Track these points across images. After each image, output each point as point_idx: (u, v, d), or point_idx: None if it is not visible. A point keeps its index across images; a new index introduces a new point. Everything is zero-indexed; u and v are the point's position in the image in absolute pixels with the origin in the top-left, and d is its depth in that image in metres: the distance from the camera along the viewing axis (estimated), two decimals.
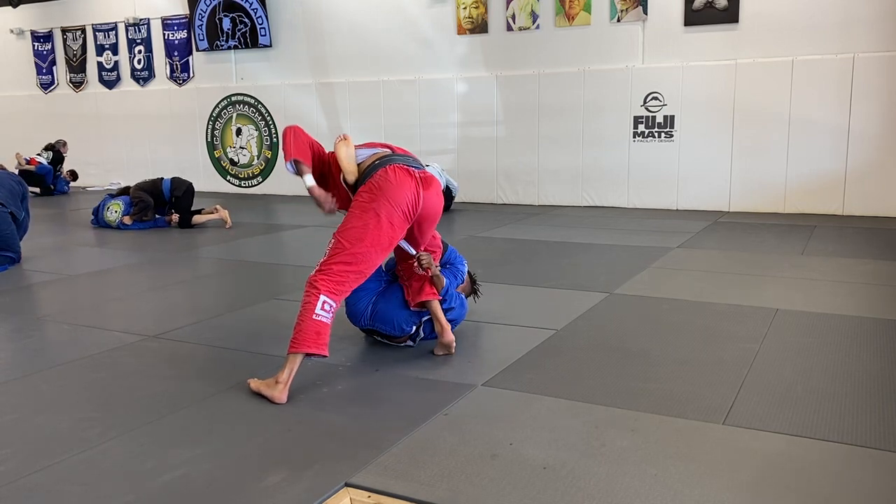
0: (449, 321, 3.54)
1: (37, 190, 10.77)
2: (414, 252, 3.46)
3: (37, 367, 3.45)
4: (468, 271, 3.97)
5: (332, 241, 3.11)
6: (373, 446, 2.50)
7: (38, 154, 11.31)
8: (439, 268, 3.61)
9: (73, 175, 11.69)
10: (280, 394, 2.92)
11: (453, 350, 3.46)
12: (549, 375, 3.15)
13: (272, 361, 3.31)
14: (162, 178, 7.89)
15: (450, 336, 3.45)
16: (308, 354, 2.97)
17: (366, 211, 3.08)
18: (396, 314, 3.51)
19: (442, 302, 3.54)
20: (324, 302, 2.96)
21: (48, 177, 11.16)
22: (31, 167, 10.93)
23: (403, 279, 3.57)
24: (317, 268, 3.07)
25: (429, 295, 3.47)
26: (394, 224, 3.11)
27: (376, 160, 3.22)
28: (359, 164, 3.26)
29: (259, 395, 2.98)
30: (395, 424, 2.67)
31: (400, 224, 3.14)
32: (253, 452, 2.49)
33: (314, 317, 2.95)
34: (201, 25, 10.73)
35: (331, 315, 3.00)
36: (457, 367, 3.32)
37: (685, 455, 2.40)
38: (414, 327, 3.55)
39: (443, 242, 3.81)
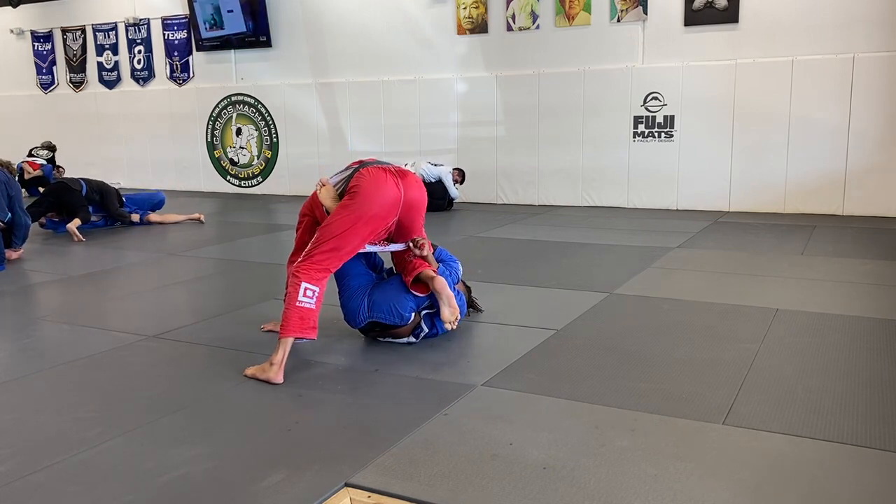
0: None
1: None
2: (403, 247, 3.54)
3: (37, 367, 3.45)
4: (463, 281, 3.98)
5: (316, 234, 3.33)
6: (373, 446, 2.50)
7: (33, 156, 11.17)
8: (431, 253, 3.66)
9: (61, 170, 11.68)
10: (276, 374, 3.12)
11: (455, 306, 3.48)
12: (549, 375, 3.15)
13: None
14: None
15: (441, 281, 3.47)
16: (296, 338, 3.19)
17: (345, 207, 3.30)
18: (394, 299, 3.52)
19: None
20: (305, 289, 3.19)
21: (50, 177, 11.13)
22: (38, 172, 10.82)
23: (399, 269, 3.64)
24: (300, 259, 3.30)
25: (422, 267, 3.51)
26: (374, 216, 3.30)
27: (348, 174, 3.42)
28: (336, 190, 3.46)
29: (258, 394, 2.99)
30: (395, 424, 2.67)
31: (381, 215, 3.32)
32: (253, 452, 2.49)
33: (297, 304, 3.18)
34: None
35: (314, 300, 3.21)
36: (457, 367, 3.32)
37: (685, 455, 2.40)
38: (413, 314, 3.54)
39: (431, 245, 3.83)
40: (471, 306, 4.03)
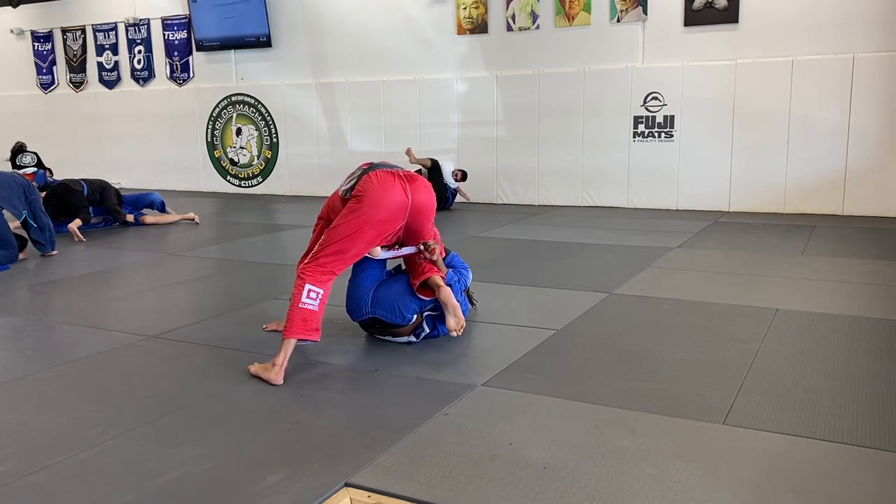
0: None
1: None
2: (415, 250, 3.53)
3: (37, 367, 3.45)
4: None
5: (323, 237, 3.34)
6: (373, 446, 2.50)
7: (19, 166, 10.96)
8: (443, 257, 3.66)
9: (50, 172, 11.57)
10: (276, 376, 3.12)
11: (461, 315, 3.51)
12: (549, 375, 3.15)
13: (271, 360, 3.31)
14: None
15: (447, 291, 3.48)
16: (299, 340, 3.20)
17: (353, 211, 3.29)
18: (398, 299, 3.53)
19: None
20: (309, 290, 3.21)
21: (43, 182, 11.01)
22: (34, 184, 10.66)
23: (410, 269, 3.64)
24: (306, 261, 3.32)
25: (431, 272, 3.52)
26: (381, 221, 3.29)
27: (357, 177, 3.40)
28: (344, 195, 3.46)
29: (258, 394, 3.00)
30: (395, 424, 2.67)
31: (388, 220, 3.31)
32: (253, 452, 2.49)
33: (300, 305, 3.20)
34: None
35: (317, 302, 3.22)
36: (457, 367, 3.32)
37: (685, 455, 2.40)
38: (415, 315, 3.55)
39: (445, 249, 3.83)
40: (470, 302, 4.03)
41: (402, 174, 3.39)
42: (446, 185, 8.45)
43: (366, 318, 3.63)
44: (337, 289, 3.69)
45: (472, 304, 4.08)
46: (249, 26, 10.34)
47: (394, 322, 3.56)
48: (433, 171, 8.35)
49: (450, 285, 3.59)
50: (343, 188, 3.46)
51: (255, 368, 3.21)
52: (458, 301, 3.60)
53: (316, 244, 3.54)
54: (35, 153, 10.56)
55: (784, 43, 7.55)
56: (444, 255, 3.74)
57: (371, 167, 3.43)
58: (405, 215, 3.36)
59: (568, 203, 8.75)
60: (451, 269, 3.76)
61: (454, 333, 3.53)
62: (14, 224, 6.23)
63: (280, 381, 3.11)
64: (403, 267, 3.80)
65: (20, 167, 10.42)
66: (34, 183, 10.32)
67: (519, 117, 8.88)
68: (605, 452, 2.42)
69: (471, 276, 3.93)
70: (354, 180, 3.40)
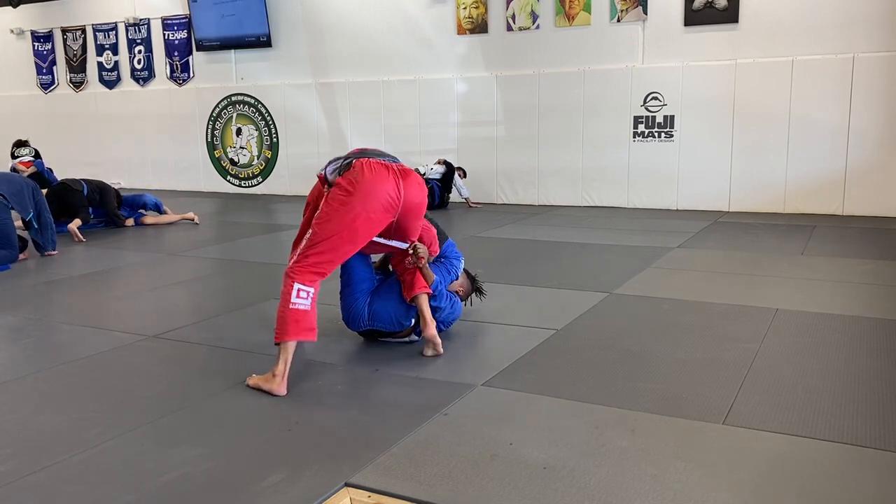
0: (438, 321, 3.56)
1: None
2: (406, 246, 3.42)
3: (37, 367, 3.45)
4: (466, 270, 3.95)
5: (310, 231, 3.14)
6: (373, 446, 2.50)
7: (17, 157, 10.95)
8: (432, 259, 3.61)
9: (51, 171, 11.55)
10: (279, 386, 2.99)
11: (440, 348, 3.42)
12: (549, 375, 3.15)
13: (272, 361, 3.30)
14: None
15: (432, 330, 3.40)
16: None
17: (343, 204, 3.08)
18: (394, 310, 3.51)
19: (432, 298, 3.52)
20: (299, 290, 3.02)
21: (42, 171, 11.00)
22: (32, 169, 10.71)
23: (398, 274, 3.57)
24: (294, 258, 3.13)
25: (420, 288, 3.45)
26: (371, 217, 3.11)
27: (346, 163, 3.19)
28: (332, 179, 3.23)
29: (259, 394, 2.99)
30: (395, 424, 2.67)
31: (379, 216, 3.14)
32: (253, 452, 2.49)
33: (291, 306, 3.02)
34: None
35: (309, 301, 3.04)
36: (457, 367, 3.32)
37: (685, 455, 2.40)
38: (413, 320, 3.55)
39: (441, 234, 3.76)
40: (479, 292, 3.99)
41: (395, 168, 3.20)
42: (454, 186, 8.60)
43: (364, 329, 3.60)
44: (335, 288, 3.69)
45: (482, 294, 4.02)
46: (249, 26, 10.35)
47: (393, 330, 3.56)
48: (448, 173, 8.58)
49: (435, 295, 3.52)
50: (330, 169, 3.19)
51: (253, 381, 3.07)
52: (443, 294, 3.57)
53: (306, 230, 3.32)
54: (35, 149, 10.57)
55: (784, 43, 7.55)
56: (438, 249, 3.70)
57: (362, 153, 3.23)
58: (396, 212, 3.19)
59: (568, 203, 8.75)
60: (441, 262, 3.71)
61: (429, 352, 3.46)
62: (17, 223, 6.24)
63: (283, 391, 2.98)
64: (391, 268, 3.72)
65: (17, 158, 10.41)
66: (32, 168, 10.32)
67: (519, 117, 8.87)
68: (605, 452, 2.42)
69: (462, 264, 3.88)
70: (343, 164, 3.17)
